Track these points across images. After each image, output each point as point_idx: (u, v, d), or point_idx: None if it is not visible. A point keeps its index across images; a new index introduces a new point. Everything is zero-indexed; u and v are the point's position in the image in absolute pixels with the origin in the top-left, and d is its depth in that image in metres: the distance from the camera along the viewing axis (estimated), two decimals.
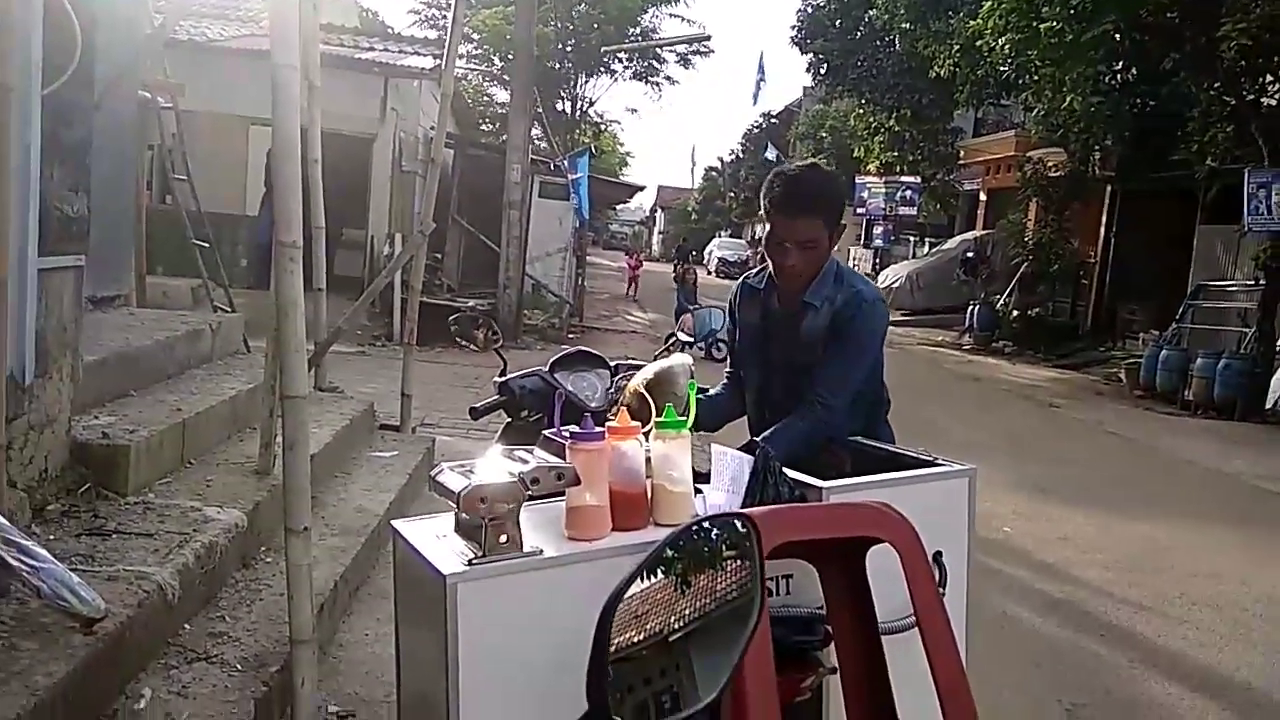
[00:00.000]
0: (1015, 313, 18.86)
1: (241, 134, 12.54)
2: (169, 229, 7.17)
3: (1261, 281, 12.57)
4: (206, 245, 6.64)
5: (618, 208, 43.63)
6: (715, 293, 25.64)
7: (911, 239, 27.04)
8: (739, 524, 1.23)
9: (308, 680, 2.67)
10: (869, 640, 1.70)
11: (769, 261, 2.53)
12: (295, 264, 2.62)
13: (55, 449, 3.22)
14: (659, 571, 1.20)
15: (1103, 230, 18.73)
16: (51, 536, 2.94)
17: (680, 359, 2.42)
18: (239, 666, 2.78)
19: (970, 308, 19.43)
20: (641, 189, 33.06)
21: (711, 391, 2.72)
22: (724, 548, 1.25)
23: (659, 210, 67.46)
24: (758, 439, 2.17)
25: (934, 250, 24.45)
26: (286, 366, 2.63)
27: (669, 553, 1.20)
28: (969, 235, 23.22)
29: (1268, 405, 11.93)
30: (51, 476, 3.22)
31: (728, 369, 2.82)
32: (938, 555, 1.90)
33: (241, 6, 13.91)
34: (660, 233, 62.92)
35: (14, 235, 2.54)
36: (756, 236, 49.60)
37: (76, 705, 2.32)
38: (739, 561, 1.24)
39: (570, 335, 14.46)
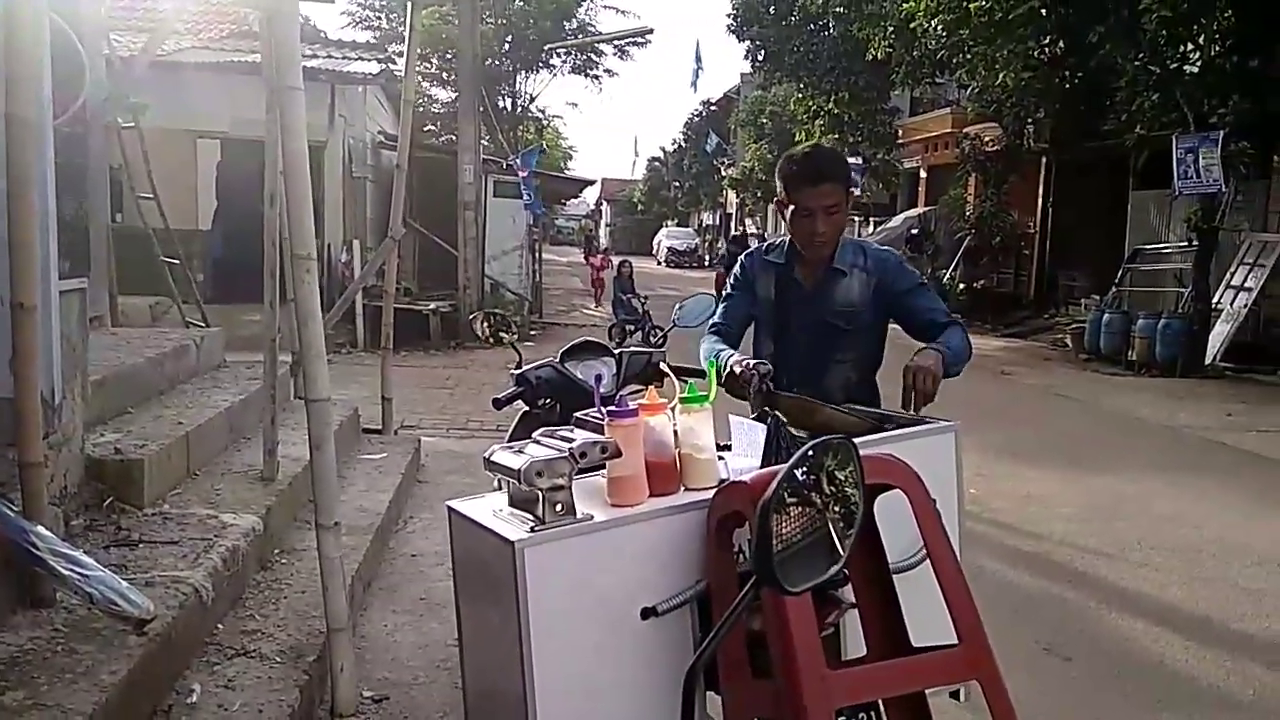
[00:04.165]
0: (961, 286, 19.34)
1: (189, 148, 12.47)
2: (122, 248, 7.16)
3: (1194, 242, 13.08)
4: (176, 262, 6.68)
5: (565, 202, 43.58)
6: (664, 282, 25.90)
7: (857, 219, 27.46)
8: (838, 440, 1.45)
9: (346, 665, 2.83)
10: (881, 578, 1.93)
11: (795, 236, 2.74)
12: (311, 275, 2.76)
13: (73, 466, 3.33)
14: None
15: (1040, 201, 19.33)
16: (84, 549, 3.05)
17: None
18: (277, 659, 2.93)
19: None
20: (591, 183, 33.11)
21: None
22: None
23: (604, 203, 67.20)
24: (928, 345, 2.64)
25: (880, 229, 24.88)
26: (309, 372, 2.78)
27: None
28: (912, 212, 23.66)
29: (1207, 361, 12.48)
30: (71, 493, 3.32)
31: (717, 322, 2.93)
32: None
33: (183, 18, 13.73)
34: (607, 225, 62.75)
35: (39, 261, 2.65)
36: (704, 225, 49.87)
37: (136, 700, 2.46)
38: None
39: (532, 332, 14.58)
